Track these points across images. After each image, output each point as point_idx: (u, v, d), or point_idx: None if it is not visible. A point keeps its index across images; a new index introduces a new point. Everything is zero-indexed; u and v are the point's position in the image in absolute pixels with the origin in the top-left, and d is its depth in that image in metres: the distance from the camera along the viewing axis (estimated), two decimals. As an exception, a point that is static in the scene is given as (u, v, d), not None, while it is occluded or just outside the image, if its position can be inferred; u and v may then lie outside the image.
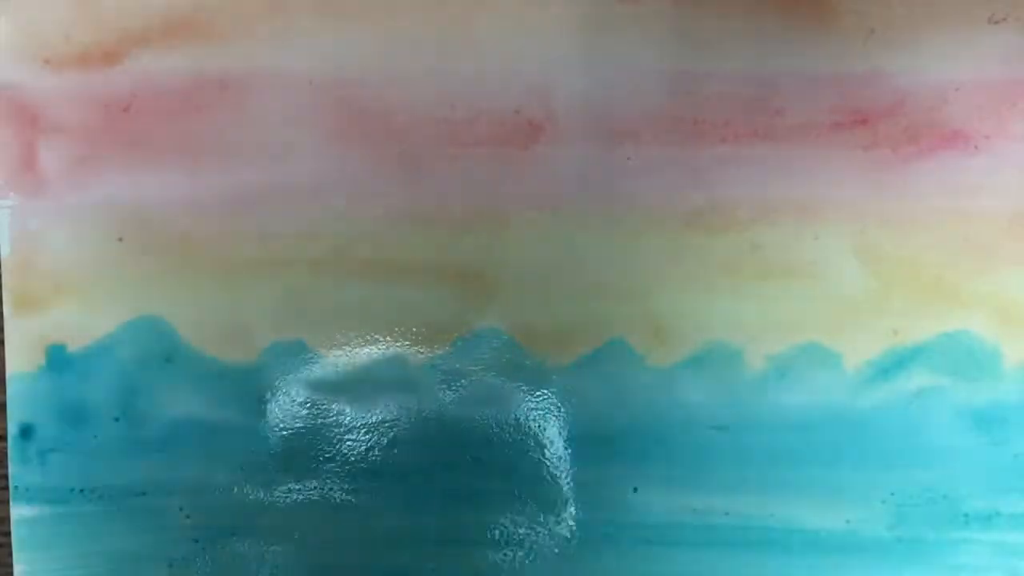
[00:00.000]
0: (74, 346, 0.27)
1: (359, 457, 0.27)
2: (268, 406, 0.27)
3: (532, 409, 0.27)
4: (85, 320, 0.26)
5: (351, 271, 0.27)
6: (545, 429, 0.27)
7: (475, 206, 0.26)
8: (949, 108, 0.26)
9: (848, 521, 0.27)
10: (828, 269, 0.27)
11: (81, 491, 0.27)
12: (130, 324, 0.27)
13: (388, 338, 0.27)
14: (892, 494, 0.27)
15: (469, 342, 0.27)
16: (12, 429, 0.27)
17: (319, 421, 0.27)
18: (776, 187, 0.26)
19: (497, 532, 0.27)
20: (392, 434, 0.27)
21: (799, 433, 0.27)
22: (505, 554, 0.27)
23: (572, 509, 0.27)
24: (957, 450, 0.27)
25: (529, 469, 0.27)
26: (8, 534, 0.27)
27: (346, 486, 0.27)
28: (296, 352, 0.27)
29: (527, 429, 0.27)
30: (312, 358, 0.27)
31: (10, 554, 0.27)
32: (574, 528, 0.27)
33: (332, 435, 0.27)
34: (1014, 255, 0.26)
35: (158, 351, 0.27)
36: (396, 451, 0.27)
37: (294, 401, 0.27)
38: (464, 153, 0.26)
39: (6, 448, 0.27)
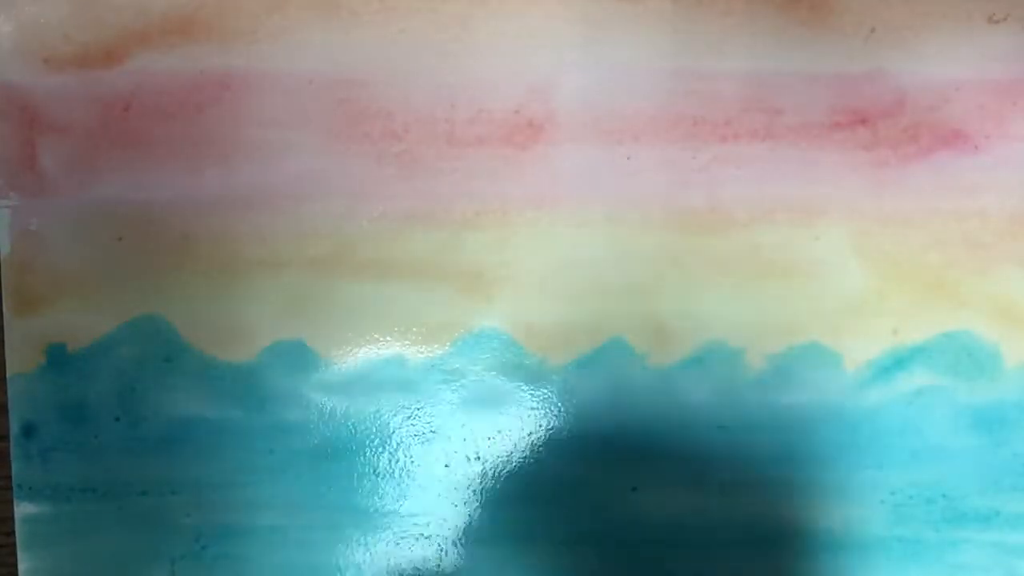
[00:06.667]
0: (74, 346, 0.27)
1: (358, 456, 0.27)
2: (268, 406, 0.27)
3: (532, 409, 0.27)
4: (85, 320, 0.26)
5: (351, 271, 0.27)
6: (545, 429, 0.27)
7: (475, 206, 0.26)
8: (949, 108, 0.26)
9: (848, 521, 0.27)
10: (828, 269, 0.26)
11: (83, 490, 0.27)
12: (130, 324, 0.27)
13: (388, 338, 0.27)
14: (892, 494, 0.27)
15: (469, 342, 0.27)
16: (14, 428, 0.27)
17: (318, 421, 0.27)
18: (776, 187, 0.26)
19: (497, 531, 0.27)
20: (391, 434, 0.27)
21: (799, 433, 0.27)
22: (505, 553, 0.27)
23: (572, 509, 0.27)
24: (957, 450, 0.27)
25: (529, 469, 0.27)
26: (11, 534, 0.27)
27: (345, 485, 0.27)
28: (296, 352, 0.27)
29: (527, 429, 0.27)
30: (312, 358, 0.27)
31: (13, 553, 0.27)
32: (574, 528, 0.27)
33: (331, 434, 0.27)
34: (1014, 255, 0.26)
35: (158, 351, 0.27)
36: (395, 450, 0.27)
37: (294, 401, 0.27)
38: (464, 153, 0.26)
39: (7, 448, 0.27)
